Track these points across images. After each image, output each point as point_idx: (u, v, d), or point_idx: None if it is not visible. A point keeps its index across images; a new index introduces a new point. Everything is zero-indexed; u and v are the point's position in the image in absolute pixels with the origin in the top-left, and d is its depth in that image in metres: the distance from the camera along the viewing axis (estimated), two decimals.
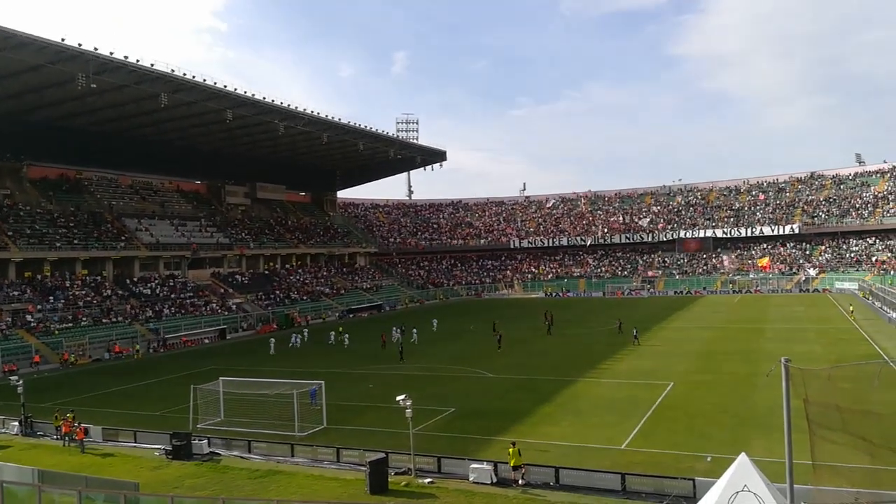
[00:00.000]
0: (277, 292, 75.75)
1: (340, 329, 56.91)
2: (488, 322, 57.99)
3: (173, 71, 55.55)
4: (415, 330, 53.90)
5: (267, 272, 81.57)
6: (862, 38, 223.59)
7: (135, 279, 65.51)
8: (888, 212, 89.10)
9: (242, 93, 62.40)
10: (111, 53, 50.89)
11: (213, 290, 70.57)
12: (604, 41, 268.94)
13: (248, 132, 74.33)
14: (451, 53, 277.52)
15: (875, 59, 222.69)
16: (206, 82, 58.68)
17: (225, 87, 60.51)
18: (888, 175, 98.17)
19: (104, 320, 55.99)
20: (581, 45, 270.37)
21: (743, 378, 32.95)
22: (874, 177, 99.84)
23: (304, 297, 77.47)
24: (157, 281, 66.83)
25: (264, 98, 65.01)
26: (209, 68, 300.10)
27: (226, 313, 65.64)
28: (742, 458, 15.41)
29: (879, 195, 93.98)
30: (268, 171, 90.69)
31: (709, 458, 20.85)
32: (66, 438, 26.48)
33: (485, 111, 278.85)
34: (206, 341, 59.32)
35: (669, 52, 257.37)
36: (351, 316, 76.04)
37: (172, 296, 64.94)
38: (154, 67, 53.93)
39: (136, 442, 26.39)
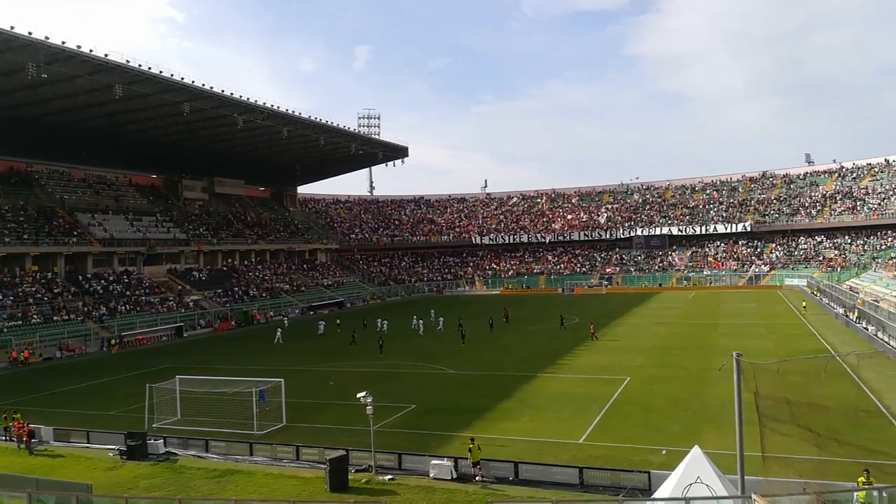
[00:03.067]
0: (236, 289, 74.66)
1: (339, 321, 59.61)
2: (449, 319, 58.38)
3: (128, 62, 54.22)
4: (439, 318, 57.53)
5: (225, 268, 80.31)
6: (815, 40, 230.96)
7: (88, 275, 63.79)
8: (835, 211, 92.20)
9: (200, 85, 61.25)
10: (63, 43, 49.38)
11: (169, 287, 69.18)
12: (564, 40, 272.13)
13: (206, 125, 72.97)
14: (414, 49, 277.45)
15: (827, 62, 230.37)
16: (163, 74, 57.44)
17: (182, 79, 59.29)
18: (836, 175, 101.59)
19: (55, 318, 54.40)
20: (542, 43, 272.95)
21: (696, 372, 33.79)
22: (823, 177, 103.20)
23: (264, 294, 76.51)
24: (111, 277, 65.20)
25: (223, 91, 63.90)
26: (166, 59, 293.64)
27: (182, 310, 64.44)
28: (695, 451, 15.83)
29: (827, 194, 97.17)
30: (226, 165, 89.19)
31: (664, 451, 21.34)
32: (18, 440, 25.70)
33: (448, 107, 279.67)
34: (164, 338, 58.21)
35: (629, 51, 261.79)
36: (311, 313, 75.46)
37: (127, 293, 63.44)
38: (108, 58, 52.53)
39: (88, 442, 25.75)
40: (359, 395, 21.66)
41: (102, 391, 36.65)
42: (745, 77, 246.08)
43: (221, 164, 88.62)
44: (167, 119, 68.78)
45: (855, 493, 15.47)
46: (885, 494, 14.58)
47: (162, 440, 24.49)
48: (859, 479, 16.41)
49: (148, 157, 79.92)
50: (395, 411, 28.28)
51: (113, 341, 53.18)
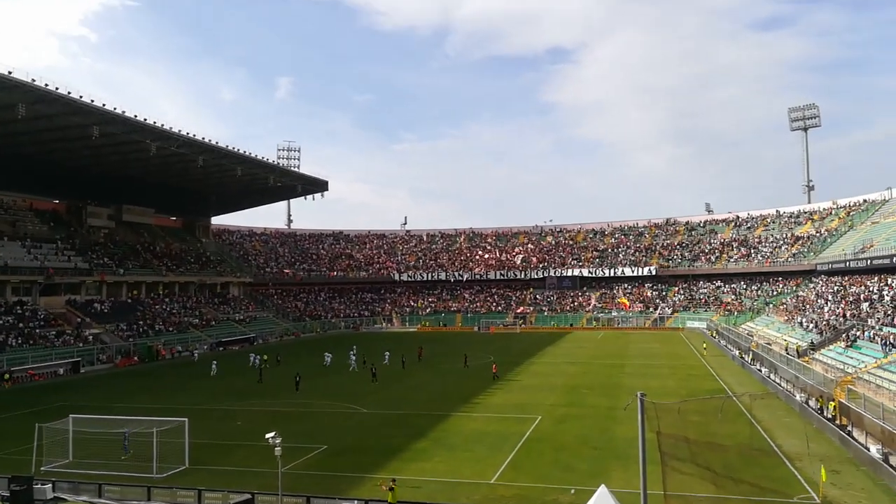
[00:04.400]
0: (141, 322, 71.14)
1: (265, 357, 57.77)
2: (372, 356, 57.97)
3: (34, 80, 51.60)
4: (385, 352, 57.21)
5: (130, 301, 76.50)
6: (714, 95, 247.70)
7: None
8: (732, 258, 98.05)
9: (111, 109, 58.85)
10: None
11: (67, 319, 65.16)
12: (484, 84, 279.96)
13: (116, 151, 70.03)
14: (336, 83, 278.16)
15: (724, 116, 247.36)
16: (71, 95, 54.92)
17: (92, 101, 56.84)
18: (733, 224, 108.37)
19: None
20: (463, 85, 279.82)
21: (604, 411, 34.77)
22: (721, 225, 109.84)
23: (171, 329, 73.23)
24: (1, 308, 60.78)
25: (135, 116, 61.66)
26: (76, 80, 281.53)
27: (81, 345, 60.70)
28: (602, 490, 16.27)
29: (725, 242, 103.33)
30: (136, 192, 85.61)
31: (572, 491, 21.78)
32: None
33: (369, 143, 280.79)
34: (61, 372, 54.66)
35: (545, 98, 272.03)
36: (221, 349, 72.81)
37: (20, 325, 59.24)
38: (11, 75, 49.83)
39: None
40: (267, 436, 21.04)
41: None
42: (650, 128, 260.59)
43: (131, 192, 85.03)
44: (74, 142, 65.64)
45: None
46: None
47: (50, 484, 22.85)
48: None
49: (51, 181, 75.68)
50: (306, 452, 27.56)
51: (6, 376, 49.33)
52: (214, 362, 55.26)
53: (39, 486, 22.60)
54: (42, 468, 25.53)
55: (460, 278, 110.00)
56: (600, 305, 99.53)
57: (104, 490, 22.76)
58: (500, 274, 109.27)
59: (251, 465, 25.82)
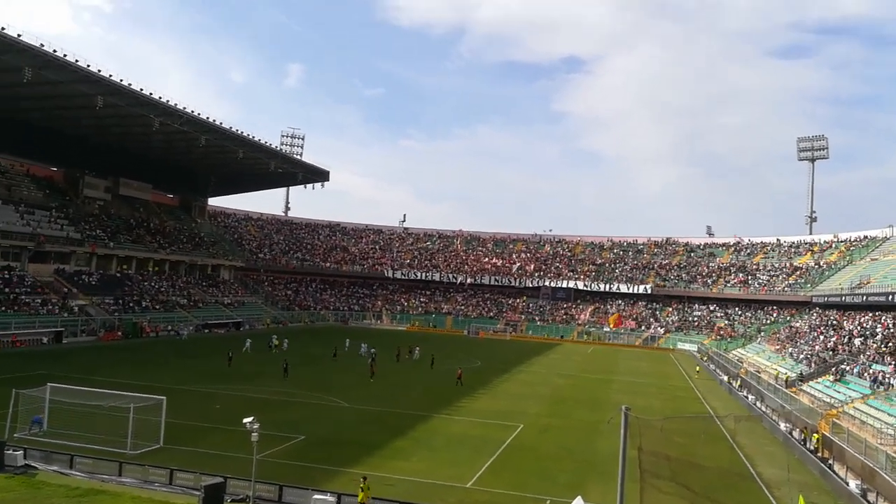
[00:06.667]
0: (127, 298, 70.63)
1: (275, 338, 60.62)
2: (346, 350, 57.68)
3: (42, 45, 51.25)
4: (415, 348, 60.47)
5: (119, 275, 75.97)
6: (726, 118, 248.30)
7: None
8: (729, 282, 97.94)
9: (118, 80, 58.36)
10: None
11: (54, 288, 64.64)
12: (497, 88, 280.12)
13: (119, 123, 69.62)
14: (348, 74, 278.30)
15: (733, 139, 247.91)
16: (79, 63, 54.52)
17: (99, 71, 56.40)
18: (732, 249, 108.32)
19: None
20: (476, 87, 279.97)
21: (589, 425, 34.48)
22: (720, 249, 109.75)
23: (157, 306, 72.70)
24: None
25: (141, 89, 61.22)
26: (85, 49, 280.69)
27: (66, 315, 60.18)
28: (577, 502, 16.01)
29: (723, 266, 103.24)
30: (135, 166, 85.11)
31: (548, 502, 21.49)
32: None
33: (375, 137, 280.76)
34: (45, 341, 54.18)
35: (556, 107, 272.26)
36: (206, 331, 72.34)
37: (6, 290, 58.71)
38: (20, 38, 49.43)
39: None
40: (245, 421, 20.68)
41: None
42: (659, 145, 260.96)
43: (130, 165, 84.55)
44: (77, 111, 65.15)
45: None
46: None
47: (22, 451, 22.47)
48: None
49: (50, 147, 75.17)
50: (283, 441, 27.20)
51: None
52: (248, 340, 57.06)
53: (10, 452, 22.23)
54: (16, 435, 25.14)
55: (454, 280, 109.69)
56: (593, 320, 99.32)
57: (75, 462, 22.40)
58: (495, 279, 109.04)
59: (226, 449, 25.46)
